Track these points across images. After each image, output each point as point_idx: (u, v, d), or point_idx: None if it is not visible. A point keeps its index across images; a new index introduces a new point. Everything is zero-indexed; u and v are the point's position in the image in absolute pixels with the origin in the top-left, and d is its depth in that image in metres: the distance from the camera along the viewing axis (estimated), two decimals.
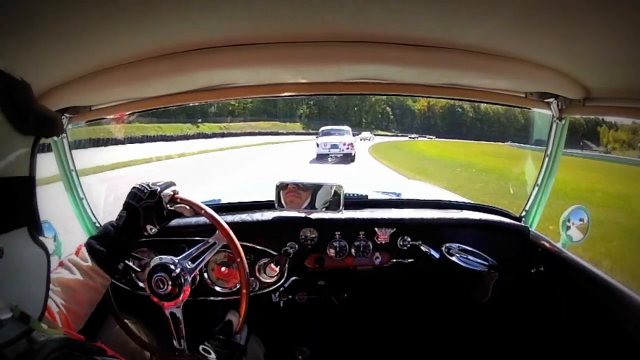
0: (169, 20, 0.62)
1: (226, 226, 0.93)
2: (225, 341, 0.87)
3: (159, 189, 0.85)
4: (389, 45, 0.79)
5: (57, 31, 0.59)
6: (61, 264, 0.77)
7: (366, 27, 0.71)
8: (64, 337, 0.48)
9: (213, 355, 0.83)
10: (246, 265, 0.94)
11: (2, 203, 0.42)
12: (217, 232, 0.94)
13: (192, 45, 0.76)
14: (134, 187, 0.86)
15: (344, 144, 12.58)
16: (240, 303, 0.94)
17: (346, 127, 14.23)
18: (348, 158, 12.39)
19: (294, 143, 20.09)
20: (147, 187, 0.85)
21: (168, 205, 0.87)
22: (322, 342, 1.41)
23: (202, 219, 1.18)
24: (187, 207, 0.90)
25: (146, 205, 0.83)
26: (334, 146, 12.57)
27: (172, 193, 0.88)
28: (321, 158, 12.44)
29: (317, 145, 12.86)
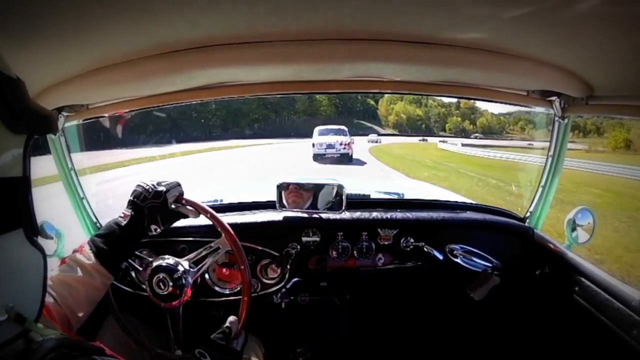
0: (168, 18, 0.62)
1: (232, 232, 0.92)
2: (221, 346, 0.86)
3: (164, 190, 0.84)
4: (390, 43, 0.78)
5: (55, 29, 0.59)
6: (63, 262, 0.76)
7: (367, 24, 0.70)
8: (62, 337, 0.47)
9: (208, 359, 0.82)
10: (249, 272, 0.94)
11: None
12: (222, 236, 0.93)
13: (191, 43, 0.76)
14: (138, 186, 0.85)
15: (341, 144, 12.54)
16: (240, 308, 0.93)
17: (343, 127, 14.17)
18: (345, 158, 12.40)
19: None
20: (152, 186, 0.84)
21: (173, 206, 0.86)
22: (324, 343, 1.39)
23: (205, 221, 1.17)
24: (192, 209, 0.89)
25: (151, 205, 0.82)
26: (330, 146, 12.52)
27: (177, 194, 0.87)
28: (317, 158, 12.41)
29: (313, 145, 12.77)
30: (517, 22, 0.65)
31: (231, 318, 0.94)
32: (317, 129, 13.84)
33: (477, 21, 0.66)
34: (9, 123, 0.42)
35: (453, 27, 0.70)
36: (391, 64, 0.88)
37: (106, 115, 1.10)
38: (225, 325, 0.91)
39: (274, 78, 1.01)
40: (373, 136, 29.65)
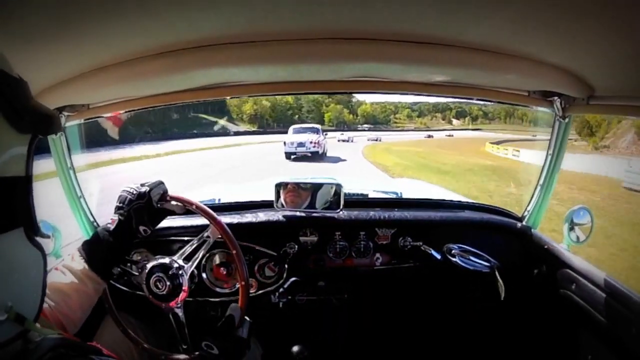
0: (168, 18, 0.62)
1: (219, 218, 0.93)
2: (228, 335, 0.87)
3: (147, 189, 0.85)
4: (390, 43, 0.78)
5: (56, 29, 0.58)
6: (56, 269, 0.77)
7: (368, 24, 0.70)
8: (60, 336, 0.48)
9: (216, 351, 0.82)
10: (242, 257, 0.94)
11: None
12: (210, 226, 0.93)
13: (191, 43, 0.75)
14: (122, 190, 0.86)
15: (311, 142, 12.85)
16: (239, 295, 0.93)
17: (317, 125, 14.56)
18: (316, 156, 12.66)
19: None
20: (135, 189, 0.85)
21: (158, 204, 0.87)
22: (322, 343, 1.40)
23: (198, 220, 1.17)
24: (178, 204, 0.90)
25: (137, 206, 0.84)
26: (301, 144, 12.80)
27: (161, 192, 0.88)
28: (289, 157, 12.71)
29: (285, 143, 13.04)
30: (517, 22, 0.65)
31: (232, 305, 0.93)
32: (292, 128, 14.07)
33: (477, 21, 0.66)
34: (13, 123, 0.42)
35: (453, 27, 0.69)
36: (391, 64, 0.87)
37: (107, 115, 1.10)
38: (227, 314, 0.91)
39: (274, 78, 1.01)
40: (372, 134, 33.40)
